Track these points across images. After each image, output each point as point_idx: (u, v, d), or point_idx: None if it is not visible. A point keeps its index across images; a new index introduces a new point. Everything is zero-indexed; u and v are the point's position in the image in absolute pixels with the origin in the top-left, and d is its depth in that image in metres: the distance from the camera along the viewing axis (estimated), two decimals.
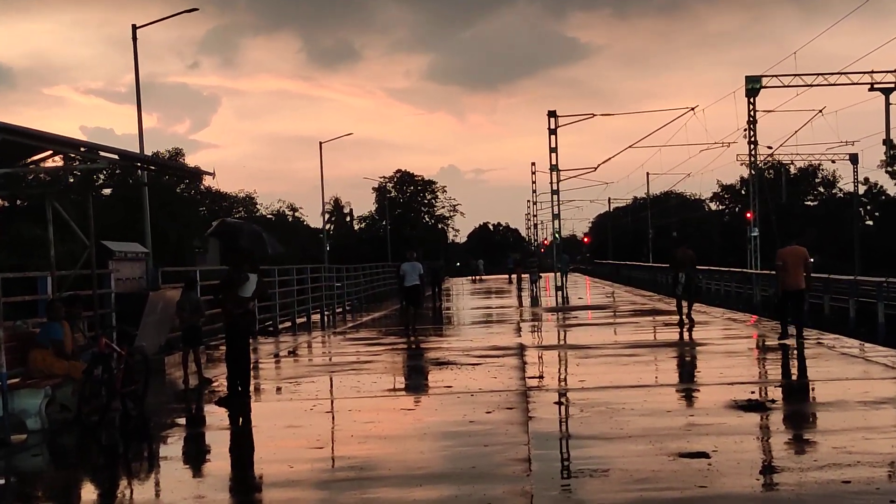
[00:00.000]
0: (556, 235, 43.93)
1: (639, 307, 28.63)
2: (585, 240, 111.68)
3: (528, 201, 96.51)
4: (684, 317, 21.42)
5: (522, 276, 52.83)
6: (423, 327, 23.05)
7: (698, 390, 11.41)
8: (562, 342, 18.83)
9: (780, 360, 14.15)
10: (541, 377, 12.99)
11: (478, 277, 78.12)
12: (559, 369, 14.20)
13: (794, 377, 12.44)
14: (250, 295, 12.27)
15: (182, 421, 11.21)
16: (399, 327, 23.56)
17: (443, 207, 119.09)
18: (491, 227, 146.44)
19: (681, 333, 19.00)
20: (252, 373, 13.12)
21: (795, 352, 14.86)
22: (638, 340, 17.57)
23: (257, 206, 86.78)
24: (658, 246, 76.62)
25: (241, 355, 12.14)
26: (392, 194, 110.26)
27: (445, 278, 47.37)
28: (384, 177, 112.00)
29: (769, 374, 12.69)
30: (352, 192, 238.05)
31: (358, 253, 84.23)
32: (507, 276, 71.58)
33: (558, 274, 40.11)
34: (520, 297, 40.86)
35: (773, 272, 19.04)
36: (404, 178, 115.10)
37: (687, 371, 13.52)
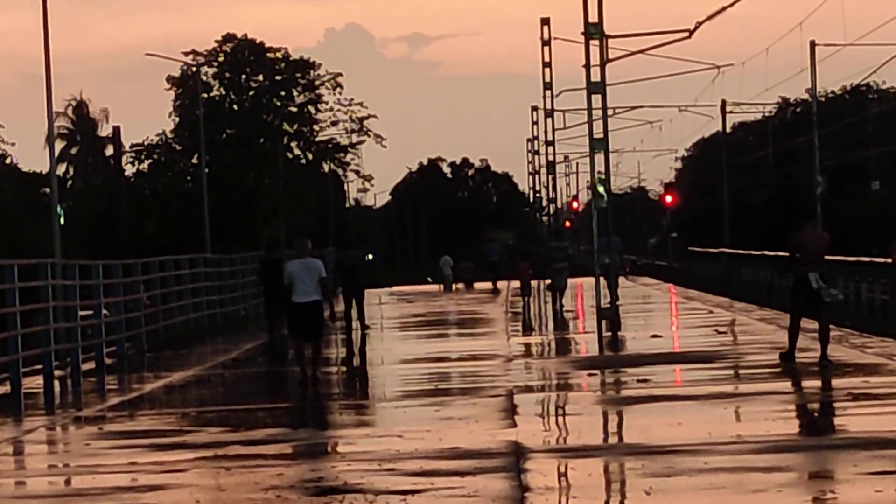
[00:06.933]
0: (601, 190, 43.94)
1: None
2: (667, 200, 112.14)
3: (535, 111, 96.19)
4: (826, 358, 24.41)
5: (531, 280, 55.13)
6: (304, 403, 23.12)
7: None
8: (611, 439, 18.99)
9: None
10: None
11: (456, 286, 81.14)
12: None
13: None
14: None
15: None
16: (224, 408, 23.56)
17: (334, 124, 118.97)
18: (448, 173, 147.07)
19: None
20: None
21: None
22: (787, 436, 17.87)
23: None
24: (836, 211, 77.05)
25: None
26: (216, 93, 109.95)
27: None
28: (196, 52, 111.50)
29: None
30: (120, 90, 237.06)
31: (135, 233, 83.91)
32: (490, 282, 74.06)
33: (602, 278, 40.16)
34: (524, 327, 40.88)
35: None
36: (240, 56, 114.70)
37: None
